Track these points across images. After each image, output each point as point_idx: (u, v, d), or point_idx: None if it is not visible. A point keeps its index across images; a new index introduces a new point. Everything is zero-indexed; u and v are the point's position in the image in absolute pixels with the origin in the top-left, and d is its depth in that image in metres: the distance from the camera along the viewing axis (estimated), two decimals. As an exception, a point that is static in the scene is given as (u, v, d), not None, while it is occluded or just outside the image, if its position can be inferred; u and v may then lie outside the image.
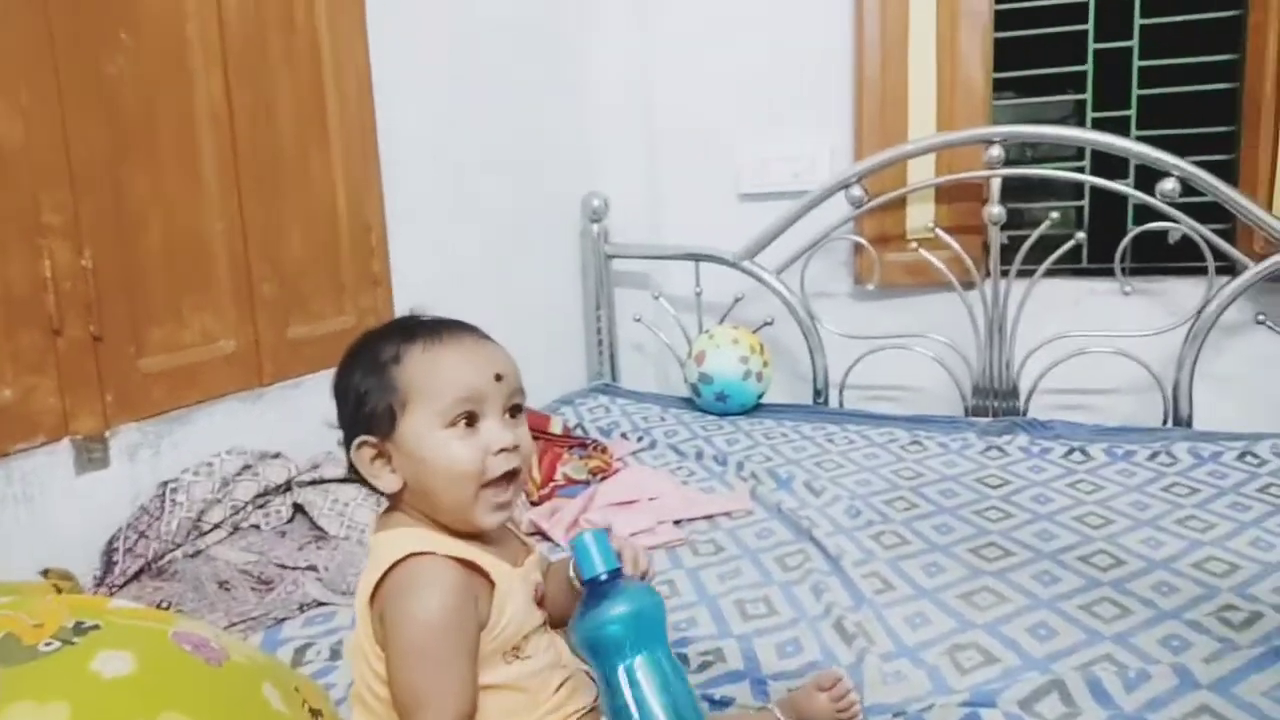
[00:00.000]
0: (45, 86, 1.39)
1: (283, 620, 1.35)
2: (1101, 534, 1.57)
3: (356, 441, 0.89)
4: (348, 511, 1.61)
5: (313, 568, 1.46)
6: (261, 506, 1.60)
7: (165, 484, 1.52)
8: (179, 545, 1.46)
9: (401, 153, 2.07)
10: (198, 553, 1.48)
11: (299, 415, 1.80)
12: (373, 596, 0.85)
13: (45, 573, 1.23)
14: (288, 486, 1.64)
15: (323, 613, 1.38)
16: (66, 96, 1.42)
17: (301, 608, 1.37)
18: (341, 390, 0.91)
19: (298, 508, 1.64)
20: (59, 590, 1.12)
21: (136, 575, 1.40)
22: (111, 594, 1.35)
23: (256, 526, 1.58)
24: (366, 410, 0.88)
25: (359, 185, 1.98)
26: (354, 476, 0.92)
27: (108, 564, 1.40)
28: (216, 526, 1.52)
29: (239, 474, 1.58)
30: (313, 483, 1.65)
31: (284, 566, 1.46)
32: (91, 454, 1.45)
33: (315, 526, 1.59)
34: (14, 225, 1.35)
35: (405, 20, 2.08)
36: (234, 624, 1.29)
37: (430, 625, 0.82)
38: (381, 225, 2.04)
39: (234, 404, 1.70)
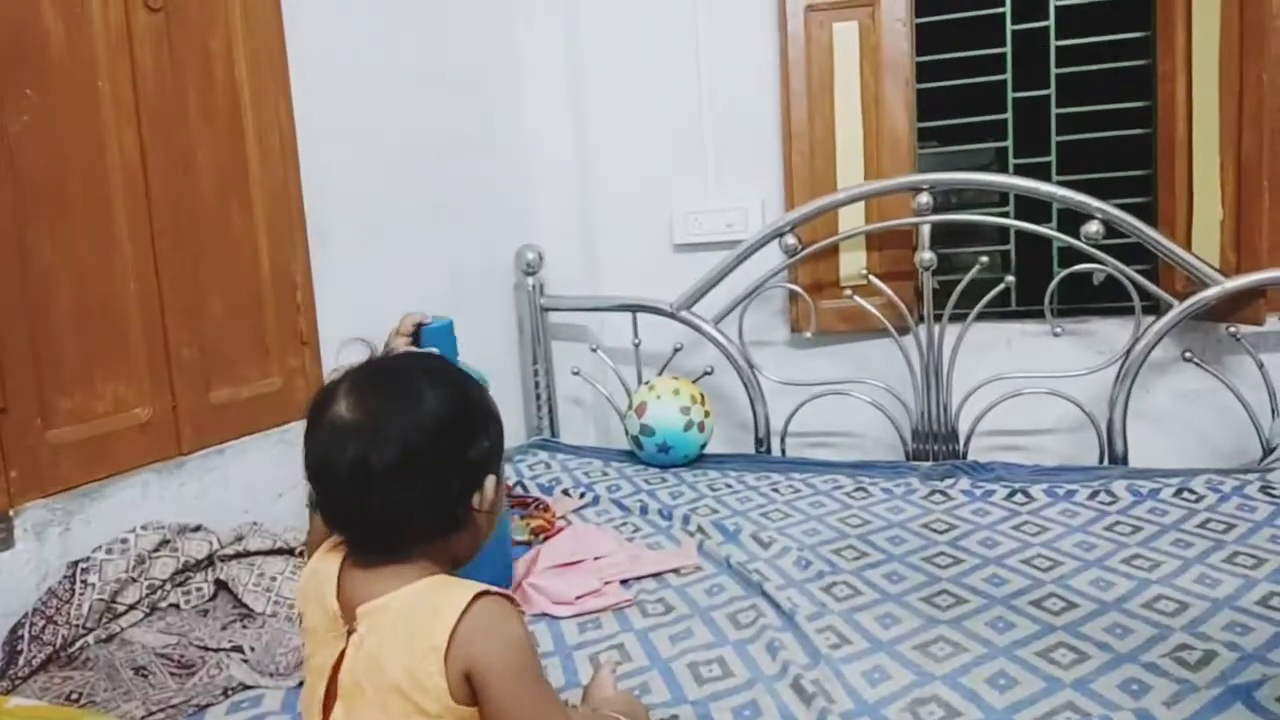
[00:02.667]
0: (-58, 146, 1.31)
1: (205, 707, 1.25)
2: (1051, 576, 1.56)
3: (492, 483, 0.88)
4: (275, 586, 1.52)
5: (238, 648, 1.37)
6: (181, 584, 1.50)
7: (75, 564, 1.41)
8: (90, 630, 1.36)
9: (329, 208, 2.01)
10: (111, 637, 1.37)
11: (222, 484, 1.72)
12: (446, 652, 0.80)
13: (-61, 668, 1.13)
14: (209, 562, 1.55)
15: (249, 697, 1.28)
16: (-34, 155, 1.34)
17: (226, 692, 1.27)
18: (465, 432, 0.87)
19: (220, 584, 1.54)
20: (-47, 688, 1.03)
21: (44, 665, 1.29)
22: (14, 688, 1.24)
23: (176, 606, 1.48)
24: (491, 451, 0.89)
25: (283, 242, 1.91)
26: (390, 537, 0.85)
27: (11, 654, 1.29)
28: (132, 608, 1.42)
29: (156, 550, 1.48)
30: (236, 556, 1.56)
31: (206, 648, 1.36)
32: (-7, 535, 1.34)
33: (240, 604, 1.50)
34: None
35: (331, 74, 2.04)
36: (152, 713, 1.20)
37: (529, 649, 0.83)
38: (308, 283, 1.97)
39: (151, 475, 1.61)
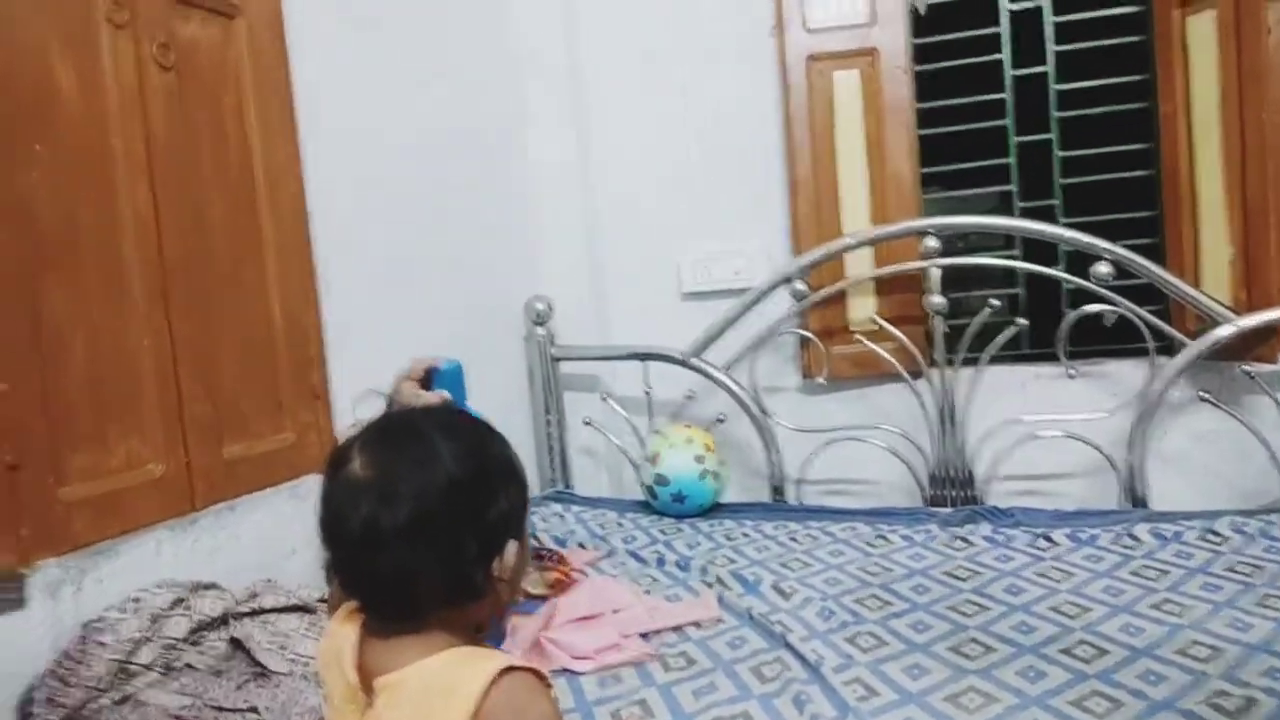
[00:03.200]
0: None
1: (221, 771, 1.22)
2: (1079, 623, 1.53)
3: (513, 549, 0.83)
4: (290, 644, 1.48)
5: (254, 709, 1.33)
6: (196, 644, 1.47)
7: (89, 624, 1.38)
8: (105, 691, 1.32)
9: (339, 261, 2.01)
10: (125, 698, 1.34)
11: (236, 541, 1.69)
12: None
13: (-50, 735, 1.10)
14: (224, 620, 1.51)
15: (265, 760, 1.25)
16: (-25, 211, 1.34)
17: (242, 755, 1.24)
18: (483, 493, 0.82)
19: (235, 643, 1.51)
20: (-35, 756, 1.00)
21: (55, 730, 1.26)
22: (26, 754, 1.21)
23: (191, 666, 1.44)
24: (511, 513, 0.84)
25: (295, 296, 1.91)
26: (400, 601, 0.81)
27: (24, 717, 1.26)
28: (147, 668, 1.39)
29: (170, 609, 1.45)
30: (251, 613, 1.53)
31: (221, 709, 1.33)
32: (6, 594, 1.32)
33: (255, 662, 1.46)
34: (-79, 349, 1.25)
35: (340, 128, 2.05)
36: (166, 779, 1.17)
37: None
38: (320, 337, 1.96)
39: (164, 532, 1.58)
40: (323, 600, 1.56)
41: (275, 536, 1.73)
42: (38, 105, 1.45)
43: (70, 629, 1.39)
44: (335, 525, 0.81)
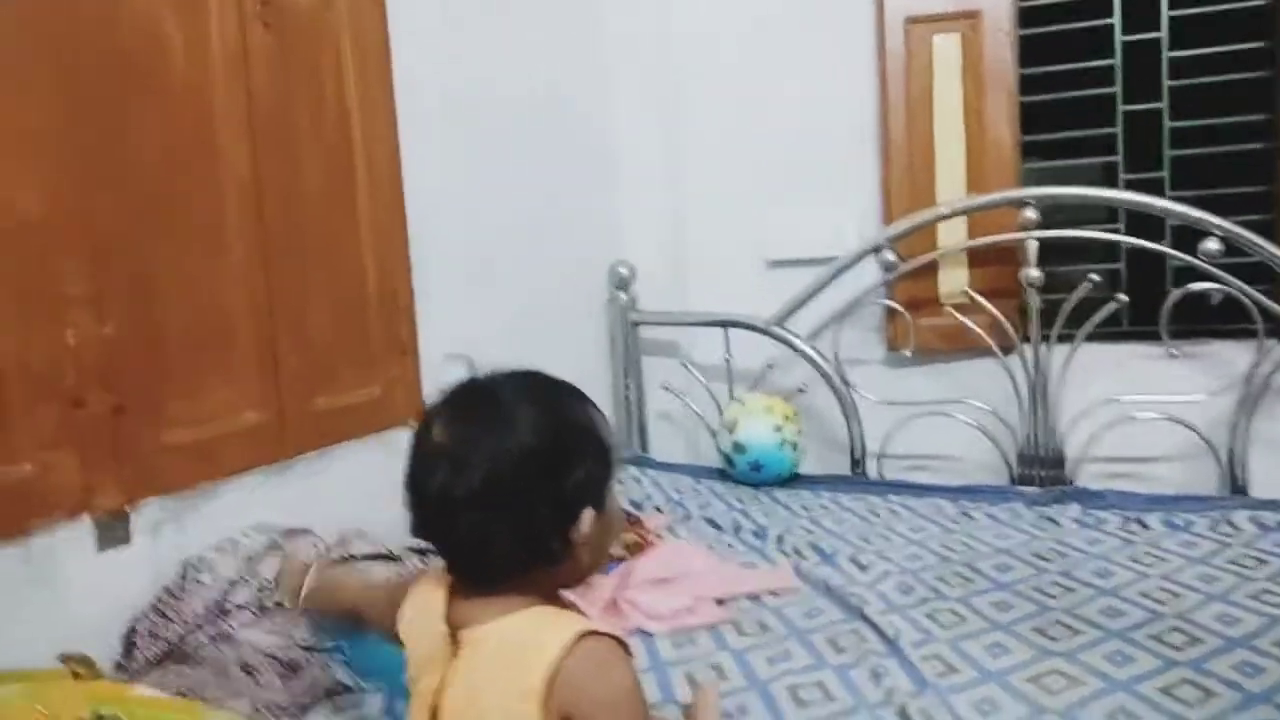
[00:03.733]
0: (69, 158, 1.36)
1: (309, 707, 1.27)
2: (1171, 609, 1.48)
3: (590, 517, 0.82)
4: (376, 590, 1.53)
5: (340, 649, 1.38)
6: (287, 586, 1.53)
7: (188, 562, 1.45)
8: (202, 627, 1.39)
9: (428, 222, 2.04)
10: (221, 635, 1.40)
11: (326, 489, 1.75)
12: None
13: (63, 658, 1.16)
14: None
15: (351, 699, 1.30)
16: (90, 168, 1.39)
17: (329, 694, 1.29)
18: (558, 461, 0.82)
19: (324, 587, 1.56)
20: (77, 676, 1.06)
21: (158, 660, 1.33)
22: (132, 680, 1.27)
23: (281, 605, 1.50)
24: (590, 482, 0.84)
25: (386, 255, 1.95)
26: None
27: (128, 648, 1.33)
28: (241, 607, 1.45)
29: (265, 551, 1.51)
30: (341, 559, 1.58)
31: (311, 649, 1.38)
32: (113, 531, 1.39)
33: (342, 607, 1.51)
34: (35, 297, 1.31)
35: (433, 92, 2.07)
36: (258, 711, 1.22)
37: (639, 700, 0.80)
38: (409, 294, 2.00)
39: (259, 478, 1.65)
40: (410, 549, 1.60)
41: (362, 487, 1.78)
42: (148, 64, 1.49)
43: (171, 566, 1.45)
44: (414, 489, 0.83)
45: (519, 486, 0.80)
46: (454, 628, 0.84)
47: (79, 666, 1.09)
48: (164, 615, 1.36)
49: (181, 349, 1.54)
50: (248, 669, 1.30)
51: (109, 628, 1.36)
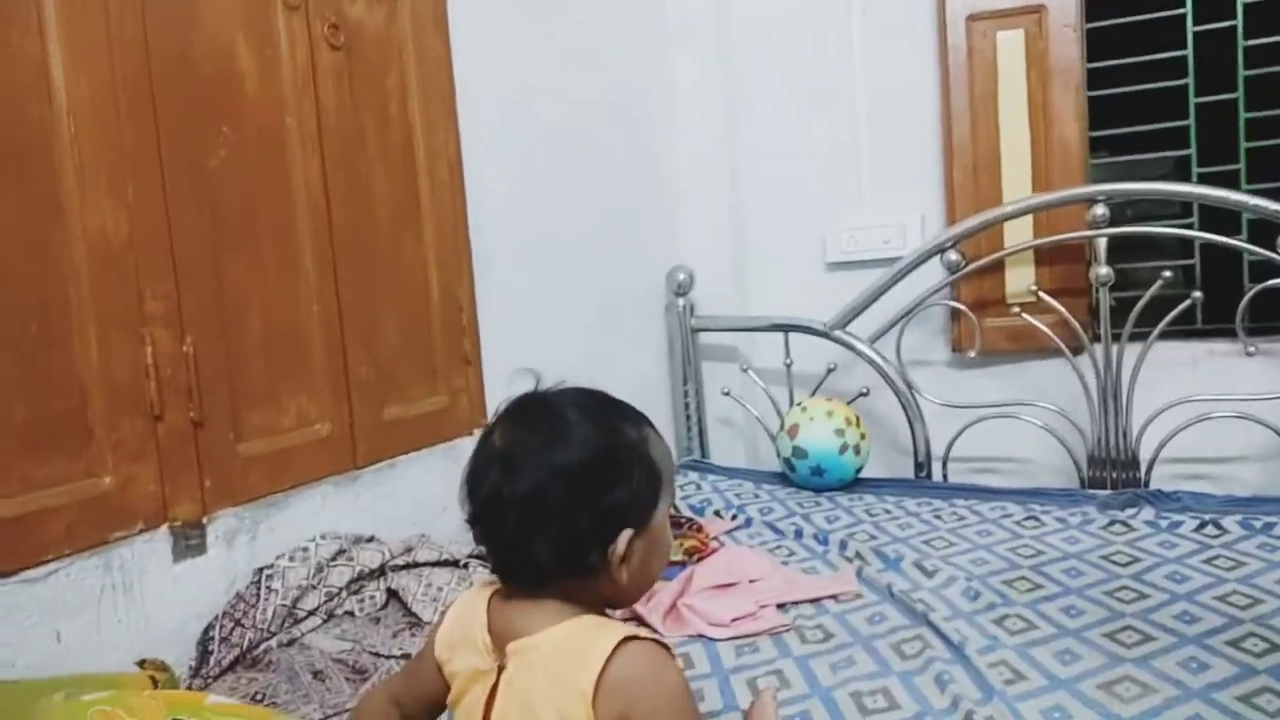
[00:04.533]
0: (150, 181, 1.42)
1: (378, 712, 1.30)
2: (1250, 615, 1.43)
3: (626, 537, 0.84)
4: (441, 596, 1.57)
5: (406, 656, 1.41)
6: (355, 592, 1.57)
7: (261, 570, 1.50)
8: (274, 634, 1.44)
9: (490, 235, 2.08)
10: (292, 641, 1.45)
11: (393, 497, 1.79)
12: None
13: (141, 663, 1.22)
14: (381, 571, 1.61)
15: (418, 704, 1.32)
16: (170, 190, 1.45)
17: (397, 699, 1.32)
18: (604, 478, 0.84)
19: (391, 593, 1.60)
20: (155, 682, 1.10)
21: (232, 665, 1.38)
22: (207, 685, 1.32)
23: (350, 613, 1.55)
24: (631, 503, 0.85)
25: (450, 268, 1.99)
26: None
27: (203, 653, 1.38)
28: (311, 614, 1.50)
29: (333, 559, 1.56)
30: (406, 566, 1.62)
31: (378, 655, 1.42)
32: (190, 541, 1.44)
33: (409, 612, 1.55)
34: (118, 314, 1.37)
35: (494, 106, 2.11)
36: (328, 717, 1.25)
37: (689, 697, 0.81)
38: (472, 306, 2.04)
39: (329, 487, 1.69)
40: (473, 556, 1.64)
41: (429, 495, 1.83)
42: (224, 89, 1.56)
43: (244, 575, 1.51)
44: (469, 487, 0.87)
45: (563, 498, 0.82)
46: (499, 640, 0.86)
47: (156, 672, 1.14)
48: (237, 622, 1.41)
49: (257, 363, 1.60)
50: (317, 674, 1.34)
51: (185, 634, 1.41)
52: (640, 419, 0.91)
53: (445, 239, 1.98)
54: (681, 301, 2.68)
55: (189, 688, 1.32)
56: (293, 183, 1.67)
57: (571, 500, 0.82)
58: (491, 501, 0.84)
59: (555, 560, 0.83)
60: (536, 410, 0.88)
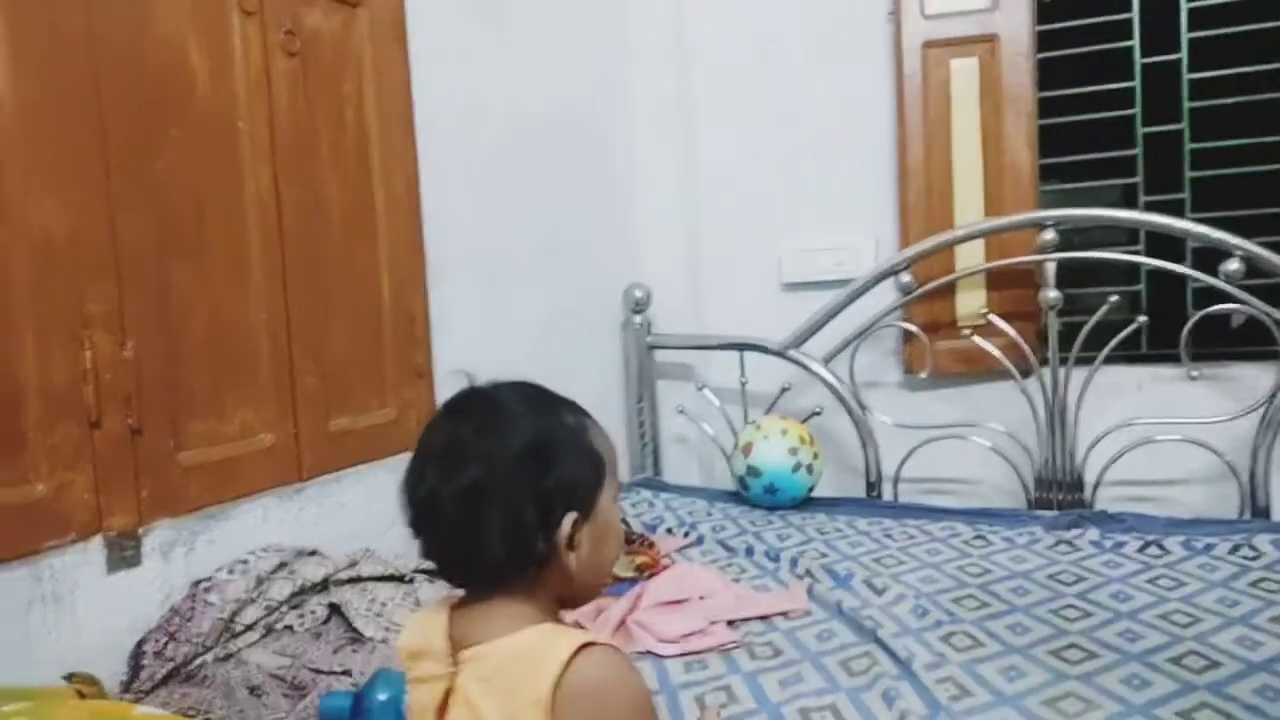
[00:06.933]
0: (95, 181, 1.39)
1: (316, 729, 1.26)
2: (1191, 633, 1.45)
3: (570, 519, 0.82)
4: (385, 612, 1.53)
5: (347, 672, 1.38)
6: (296, 607, 1.53)
7: (198, 583, 1.46)
8: (210, 648, 1.39)
9: (446, 246, 2.06)
10: (229, 656, 1.41)
11: (338, 511, 1.76)
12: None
13: (69, 677, 1.17)
14: (324, 585, 1.57)
15: (358, 721, 1.29)
16: (116, 191, 1.42)
17: (336, 716, 1.28)
18: (544, 461, 0.82)
19: (334, 608, 1.56)
20: (82, 696, 1.07)
21: (164, 680, 1.33)
22: (138, 700, 1.28)
23: (290, 628, 1.50)
24: (574, 484, 0.83)
25: (404, 278, 1.97)
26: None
27: (135, 668, 1.34)
28: (249, 628, 1.45)
29: (274, 572, 1.52)
30: (350, 581, 1.58)
31: (318, 671, 1.38)
32: (124, 551, 1.40)
33: (351, 628, 1.51)
34: (57, 316, 1.33)
35: (451, 116, 2.10)
36: (265, 733, 1.22)
37: (650, 707, 0.80)
38: (425, 317, 2.02)
39: (272, 500, 1.65)
40: (419, 571, 1.61)
41: (375, 508, 1.79)
42: (174, 91, 1.53)
43: (180, 587, 1.46)
44: (407, 491, 0.85)
45: (503, 486, 0.81)
46: (456, 647, 0.84)
47: (85, 686, 1.10)
48: (171, 636, 1.36)
49: (200, 370, 1.56)
50: (254, 689, 1.30)
51: (117, 648, 1.36)
52: (576, 407, 0.90)
53: (399, 249, 1.96)
54: (638, 318, 2.68)
55: (119, 702, 1.27)
56: (243, 188, 1.64)
57: (511, 487, 0.81)
58: (429, 502, 0.82)
59: (502, 552, 0.80)
60: (472, 403, 0.87)
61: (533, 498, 0.81)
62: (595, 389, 2.64)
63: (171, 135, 1.52)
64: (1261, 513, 2.05)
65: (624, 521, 2.20)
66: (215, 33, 1.59)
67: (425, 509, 0.83)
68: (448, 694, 0.83)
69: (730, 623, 1.60)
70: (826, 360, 2.45)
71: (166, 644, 1.36)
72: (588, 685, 0.76)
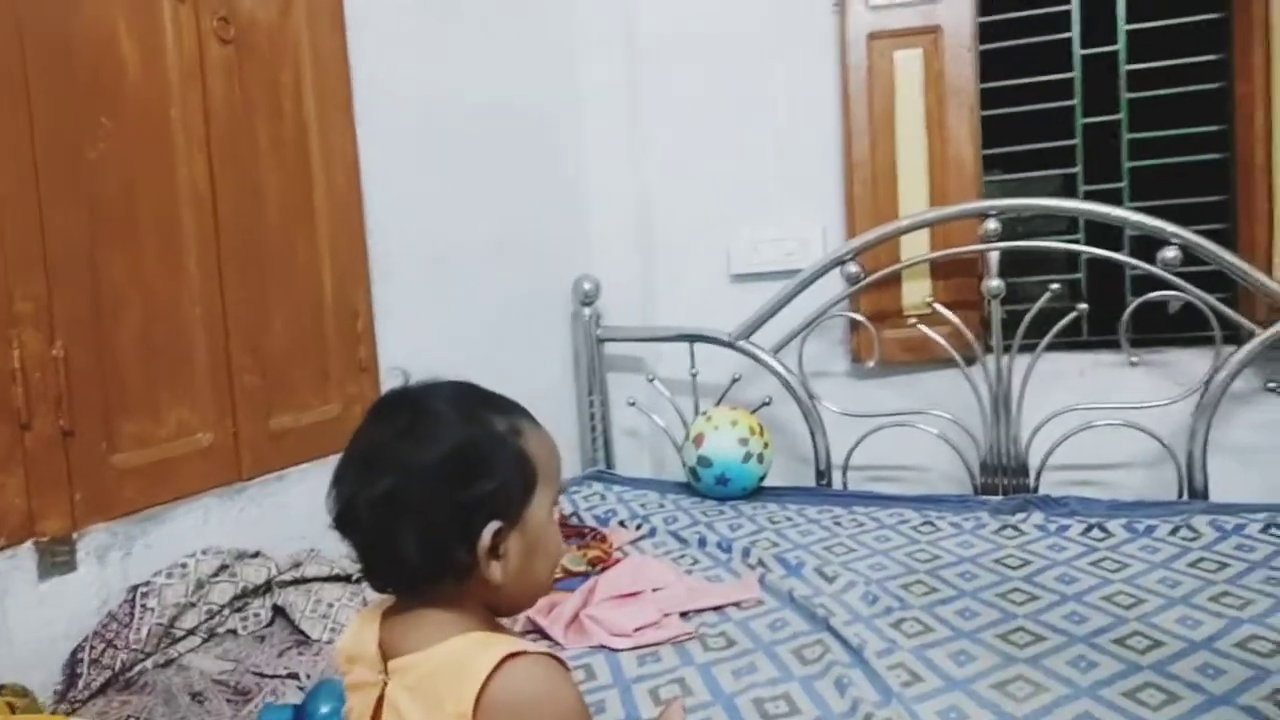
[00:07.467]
0: (22, 172, 1.34)
1: (261, 735, 1.23)
2: (1134, 614, 1.48)
3: (491, 529, 0.79)
4: (331, 613, 1.50)
5: (294, 675, 1.35)
6: (239, 610, 1.49)
7: (135, 588, 1.41)
8: (149, 654, 1.35)
9: (389, 238, 2.02)
10: (169, 662, 1.37)
11: (281, 511, 1.71)
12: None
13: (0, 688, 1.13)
14: (267, 587, 1.54)
15: (304, 725, 1.26)
16: (44, 181, 1.36)
17: (281, 720, 1.25)
18: (467, 470, 0.79)
19: (278, 610, 1.53)
20: (12, 708, 1.02)
21: (102, 689, 1.29)
22: (73, 711, 1.23)
23: (233, 632, 1.47)
24: (496, 494, 0.80)
25: (346, 271, 1.92)
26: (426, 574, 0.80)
27: (71, 677, 1.29)
28: (190, 633, 1.41)
29: (215, 575, 1.48)
30: (294, 582, 1.55)
31: (262, 675, 1.35)
32: (57, 557, 1.35)
33: (297, 630, 1.48)
34: (-19, 315, 1.28)
35: (394, 106, 2.06)
36: (207, 740, 1.18)
37: (583, 714, 0.78)
38: (369, 312, 1.98)
39: (211, 501, 1.61)
40: (365, 571, 1.57)
41: (319, 507, 1.74)
42: (104, 78, 1.47)
43: (118, 593, 1.42)
44: (331, 490, 0.83)
45: (419, 495, 0.78)
46: (386, 654, 0.82)
47: (15, 698, 1.05)
48: (109, 642, 1.32)
49: (134, 368, 1.51)
50: (196, 695, 1.26)
51: (51, 657, 1.32)
52: (514, 410, 0.86)
53: (341, 241, 1.92)
54: (588, 311, 2.66)
55: (54, 713, 1.23)
56: (177, 178, 1.59)
57: (428, 496, 0.78)
58: (348, 506, 0.80)
59: (420, 560, 0.78)
60: (399, 406, 0.84)
61: (450, 507, 0.78)
62: (545, 382, 2.62)
63: (102, 125, 1.47)
64: (1199, 494, 2.10)
65: (576, 515, 2.19)
66: (146, 19, 1.54)
67: (343, 513, 0.80)
68: (380, 701, 0.81)
69: (684, 614, 1.60)
70: (775, 350, 2.45)
71: (104, 651, 1.32)
72: (511, 696, 0.74)
